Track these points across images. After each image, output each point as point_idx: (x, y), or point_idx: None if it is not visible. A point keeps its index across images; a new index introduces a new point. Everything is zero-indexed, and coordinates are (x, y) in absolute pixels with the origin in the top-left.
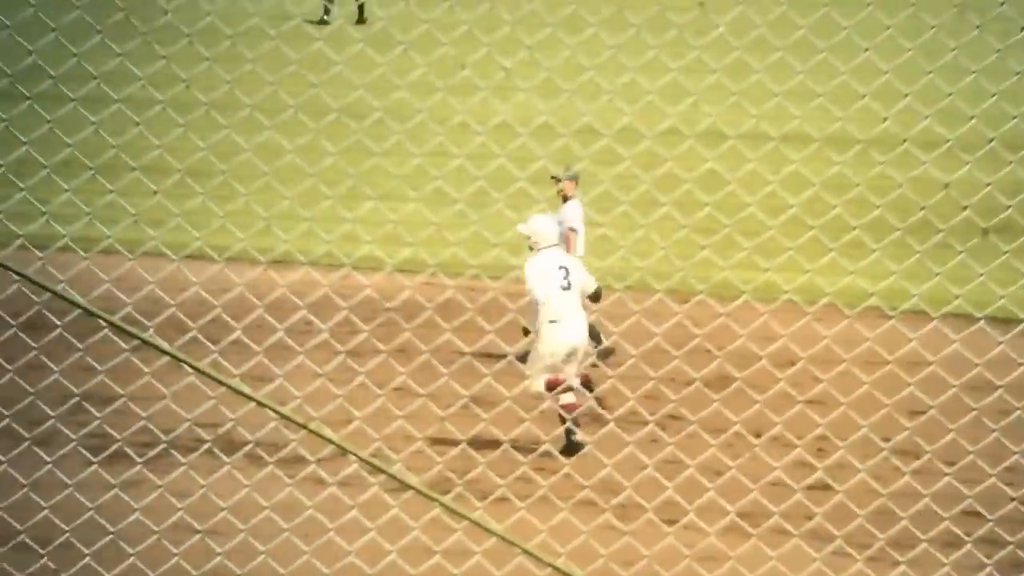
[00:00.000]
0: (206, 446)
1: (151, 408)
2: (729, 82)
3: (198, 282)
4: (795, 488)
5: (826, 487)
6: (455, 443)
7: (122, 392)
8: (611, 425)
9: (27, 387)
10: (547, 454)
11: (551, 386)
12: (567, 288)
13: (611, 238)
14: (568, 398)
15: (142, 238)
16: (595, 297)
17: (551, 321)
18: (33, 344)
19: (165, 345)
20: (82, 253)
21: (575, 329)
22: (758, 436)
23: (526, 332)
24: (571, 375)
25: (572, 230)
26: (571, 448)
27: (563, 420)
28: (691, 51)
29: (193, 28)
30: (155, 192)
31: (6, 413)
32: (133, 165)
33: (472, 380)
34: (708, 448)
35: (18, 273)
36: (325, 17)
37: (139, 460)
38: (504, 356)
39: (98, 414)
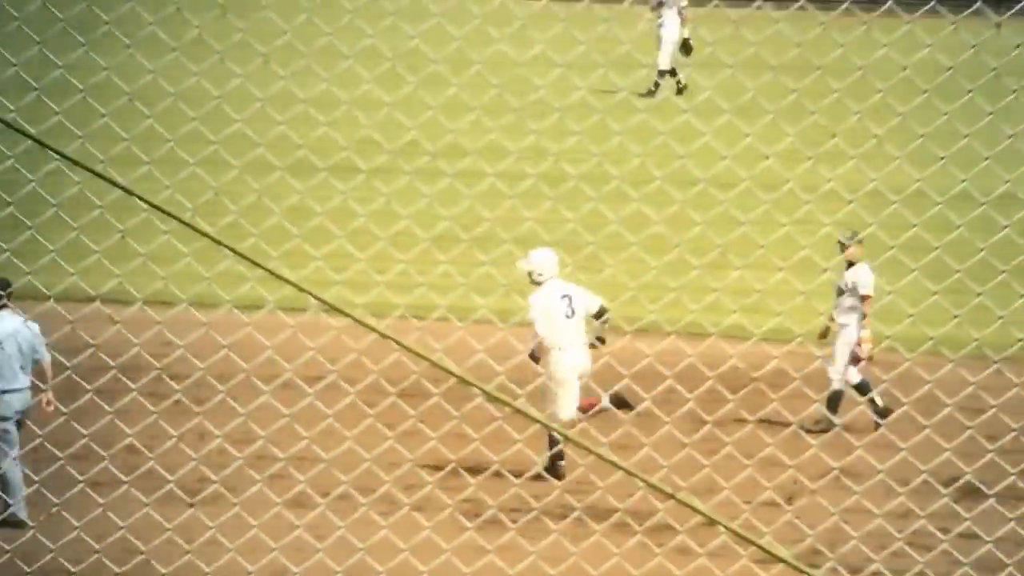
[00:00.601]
0: (576, 513)
1: (523, 475)
2: None
3: None
4: None
5: None
6: (826, 515)
7: (495, 458)
8: (990, 502)
9: (406, 453)
10: (922, 530)
11: (585, 408)
12: (570, 316)
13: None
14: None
15: (513, 308)
16: (599, 315)
17: (558, 349)
18: (411, 411)
19: (535, 413)
20: (458, 322)
21: (578, 355)
22: None
23: (535, 359)
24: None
25: (867, 296)
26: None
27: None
28: None
29: (563, 105)
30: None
31: (386, 478)
32: (505, 237)
33: (841, 452)
34: None
35: (398, 343)
36: (680, 81)
37: (512, 526)
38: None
39: (472, 480)
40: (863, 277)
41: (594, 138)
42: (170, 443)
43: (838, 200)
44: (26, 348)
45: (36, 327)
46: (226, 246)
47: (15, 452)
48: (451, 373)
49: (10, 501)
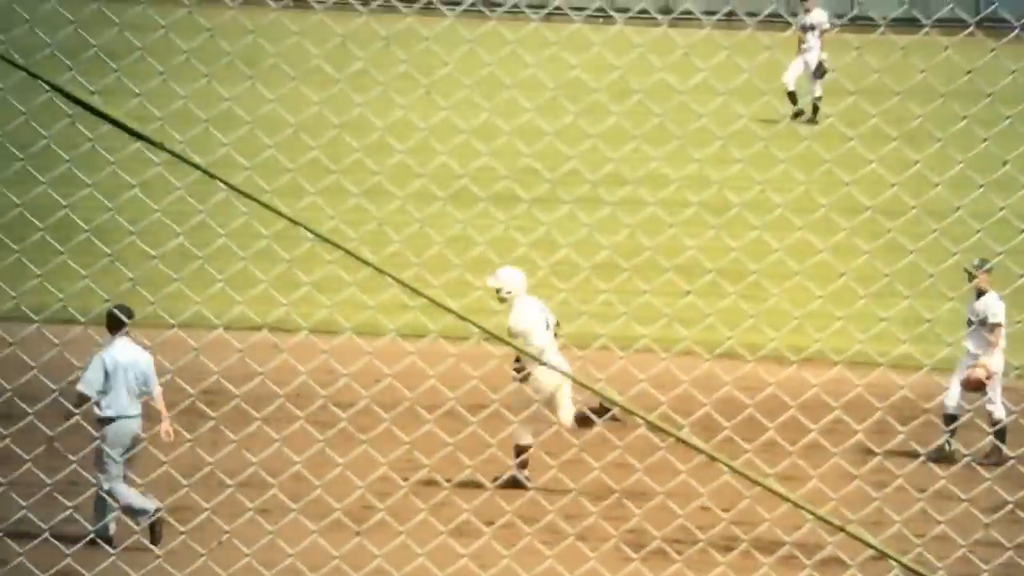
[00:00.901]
0: (742, 546)
1: (688, 506)
2: None
3: (729, 381)
4: None
5: None
6: (1001, 550)
7: (659, 489)
8: None
9: (569, 482)
10: None
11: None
12: (549, 328)
13: None
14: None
15: (675, 337)
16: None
17: (539, 364)
18: (573, 440)
19: (700, 443)
20: (619, 352)
21: (560, 364)
22: None
23: (518, 372)
24: (567, 414)
25: (998, 325)
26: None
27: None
28: None
29: (725, 133)
30: (687, 293)
31: (550, 508)
32: (667, 266)
33: (1015, 486)
34: None
35: (560, 371)
36: (803, 107)
37: (677, 557)
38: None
39: (637, 510)
40: (993, 306)
41: (757, 166)
42: (336, 471)
43: (1010, 228)
44: (140, 378)
45: (151, 359)
46: (389, 275)
47: (119, 479)
48: (613, 402)
49: (145, 518)
